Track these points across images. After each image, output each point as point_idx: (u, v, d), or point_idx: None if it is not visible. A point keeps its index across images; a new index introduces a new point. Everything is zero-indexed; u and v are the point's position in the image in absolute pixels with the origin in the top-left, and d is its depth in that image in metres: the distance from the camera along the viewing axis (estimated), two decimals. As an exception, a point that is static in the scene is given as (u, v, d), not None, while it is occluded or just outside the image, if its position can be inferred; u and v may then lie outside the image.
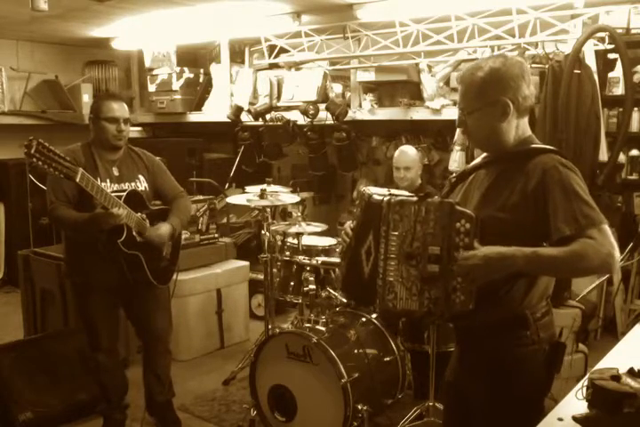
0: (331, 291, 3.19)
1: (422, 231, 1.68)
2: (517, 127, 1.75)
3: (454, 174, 1.90)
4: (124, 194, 2.68)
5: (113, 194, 2.61)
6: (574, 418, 1.44)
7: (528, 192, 1.65)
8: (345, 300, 3.19)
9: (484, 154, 1.90)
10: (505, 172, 1.73)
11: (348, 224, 1.89)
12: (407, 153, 3.78)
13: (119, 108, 2.80)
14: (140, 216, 2.74)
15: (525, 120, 1.77)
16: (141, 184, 2.89)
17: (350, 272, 1.84)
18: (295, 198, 3.64)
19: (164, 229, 2.83)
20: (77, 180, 2.44)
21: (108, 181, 2.77)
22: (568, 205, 1.59)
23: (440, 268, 1.64)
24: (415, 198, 1.72)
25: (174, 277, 3.07)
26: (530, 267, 1.61)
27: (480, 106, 1.71)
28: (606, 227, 1.58)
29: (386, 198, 1.75)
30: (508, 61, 1.70)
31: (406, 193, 1.85)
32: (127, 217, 2.61)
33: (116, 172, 2.83)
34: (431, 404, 2.99)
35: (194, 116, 5.93)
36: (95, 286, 2.83)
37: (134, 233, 2.71)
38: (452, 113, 4.41)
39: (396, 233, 1.71)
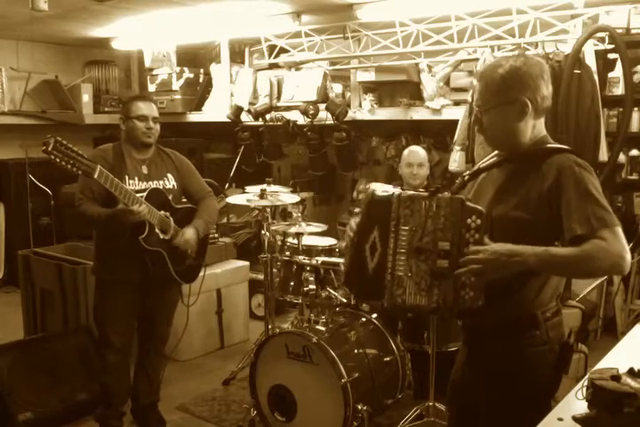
0: (331, 291, 3.19)
1: (433, 226, 1.67)
2: (534, 127, 1.74)
3: (467, 172, 1.89)
4: (146, 192, 2.72)
5: (138, 194, 2.65)
6: (574, 418, 1.44)
7: (543, 191, 1.64)
8: (347, 296, 3.20)
9: (496, 151, 1.90)
10: (519, 170, 1.73)
11: (354, 220, 1.89)
12: (418, 151, 3.77)
13: (147, 107, 2.87)
14: (163, 214, 2.77)
15: (542, 120, 1.77)
16: (169, 182, 2.93)
17: (353, 267, 1.83)
18: (295, 198, 3.64)
19: (189, 233, 2.87)
20: (95, 176, 2.49)
21: (136, 178, 2.81)
22: (582, 206, 1.59)
23: (449, 263, 1.64)
24: (426, 194, 1.71)
25: (201, 273, 3.14)
26: (540, 265, 1.60)
27: (498, 104, 1.70)
28: (619, 229, 1.58)
29: (396, 193, 1.74)
30: (528, 61, 1.70)
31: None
32: (149, 214, 2.65)
33: (145, 170, 2.87)
34: (431, 404, 2.99)
35: (194, 116, 5.93)
36: (120, 282, 2.85)
37: (157, 230, 2.74)
38: (451, 113, 4.41)
39: (407, 228, 1.71)
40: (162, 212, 2.78)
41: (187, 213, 2.96)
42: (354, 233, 1.82)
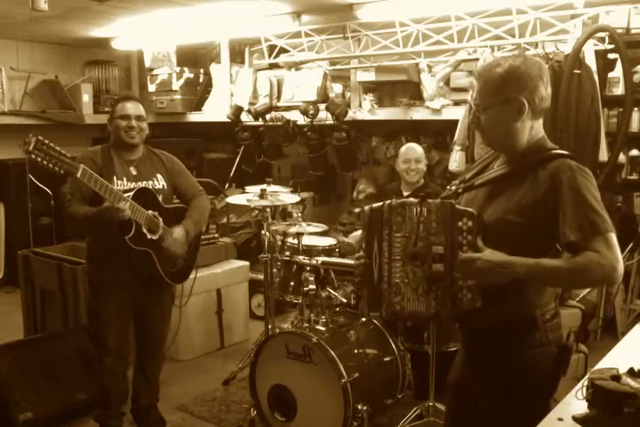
0: (331, 291, 3.19)
1: (425, 231, 1.68)
2: (531, 128, 1.73)
3: (460, 184, 1.87)
4: (133, 192, 2.70)
5: (125, 194, 2.62)
6: (574, 418, 1.44)
7: (539, 196, 1.64)
8: (347, 296, 3.21)
9: (488, 154, 1.89)
10: (515, 174, 1.72)
11: (353, 236, 1.89)
12: (415, 148, 3.84)
13: (131, 107, 2.85)
14: (150, 214, 2.76)
15: (540, 122, 1.76)
16: (159, 183, 2.91)
17: (370, 288, 1.79)
18: (295, 198, 3.64)
19: (178, 233, 2.84)
20: (78, 175, 2.46)
21: (124, 179, 2.80)
22: (576, 211, 1.58)
23: (445, 267, 1.65)
24: (416, 200, 1.72)
25: (192, 275, 3.11)
26: (530, 277, 1.60)
27: (495, 102, 1.70)
28: (612, 236, 1.57)
29: (387, 202, 1.75)
30: (527, 61, 1.69)
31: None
32: (134, 213, 2.63)
33: (133, 171, 2.86)
34: (431, 404, 2.99)
35: (194, 116, 5.93)
36: (112, 283, 2.84)
37: (144, 230, 2.72)
38: (451, 113, 4.41)
39: (399, 235, 1.71)
40: (150, 211, 2.75)
41: (177, 212, 2.94)
42: (364, 257, 1.78)
